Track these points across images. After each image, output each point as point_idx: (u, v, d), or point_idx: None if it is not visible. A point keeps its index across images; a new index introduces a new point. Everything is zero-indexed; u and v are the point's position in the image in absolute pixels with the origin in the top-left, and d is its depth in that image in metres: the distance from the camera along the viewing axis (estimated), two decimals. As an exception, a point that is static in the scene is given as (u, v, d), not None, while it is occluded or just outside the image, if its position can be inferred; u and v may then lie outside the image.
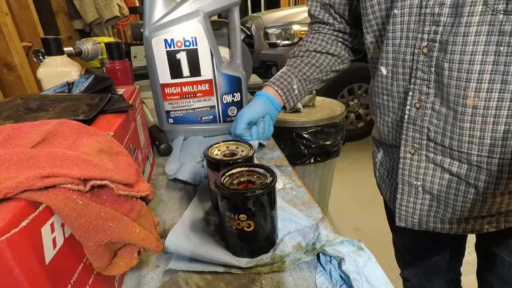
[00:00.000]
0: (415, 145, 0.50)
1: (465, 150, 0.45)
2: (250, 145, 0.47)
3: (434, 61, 0.44)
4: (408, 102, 0.48)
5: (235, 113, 0.75)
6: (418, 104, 0.48)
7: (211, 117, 0.74)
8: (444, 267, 0.76)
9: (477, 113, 0.42)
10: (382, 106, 0.55)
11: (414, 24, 0.45)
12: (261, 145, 0.66)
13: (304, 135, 1.32)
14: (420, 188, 0.52)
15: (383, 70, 0.52)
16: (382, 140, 0.60)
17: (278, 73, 0.69)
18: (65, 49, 0.80)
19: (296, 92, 0.68)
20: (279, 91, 0.67)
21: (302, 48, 0.70)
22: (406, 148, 0.51)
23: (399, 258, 0.84)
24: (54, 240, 0.23)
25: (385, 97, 0.54)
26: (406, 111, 0.49)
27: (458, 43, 0.41)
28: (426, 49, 0.45)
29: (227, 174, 0.39)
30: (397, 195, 0.55)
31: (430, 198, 0.52)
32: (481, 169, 0.46)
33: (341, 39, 0.68)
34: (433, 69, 0.45)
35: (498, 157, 0.44)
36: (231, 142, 0.49)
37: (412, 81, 0.47)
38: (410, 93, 0.48)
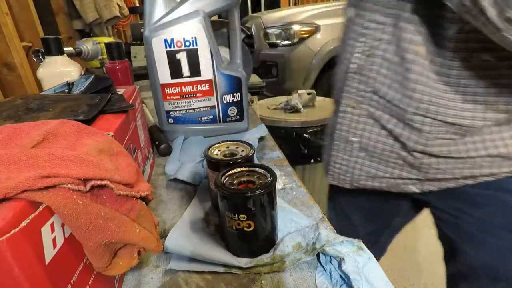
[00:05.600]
0: (358, 98, 0.47)
1: (403, 107, 0.43)
2: (250, 145, 0.47)
3: None
4: (360, 50, 0.45)
5: (235, 113, 0.75)
6: (368, 52, 0.44)
7: (211, 117, 0.74)
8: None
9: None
10: (339, 54, 0.50)
11: None
12: (260, 139, 0.65)
13: (304, 135, 1.33)
14: (356, 145, 0.50)
15: (351, 11, 0.46)
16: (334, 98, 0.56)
17: None
18: (65, 49, 0.80)
19: None
20: None
21: None
22: (349, 101, 0.48)
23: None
24: (54, 240, 0.23)
25: (341, 45, 0.49)
26: (354, 59, 0.45)
27: None
28: None
29: (227, 174, 0.39)
30: (331, 152, 0.53)
31: (363, 156, 0.50)
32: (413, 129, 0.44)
33: None
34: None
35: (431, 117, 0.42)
36: (231, 142, 0.49)
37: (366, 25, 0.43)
38: (363, 39, 0.44)
